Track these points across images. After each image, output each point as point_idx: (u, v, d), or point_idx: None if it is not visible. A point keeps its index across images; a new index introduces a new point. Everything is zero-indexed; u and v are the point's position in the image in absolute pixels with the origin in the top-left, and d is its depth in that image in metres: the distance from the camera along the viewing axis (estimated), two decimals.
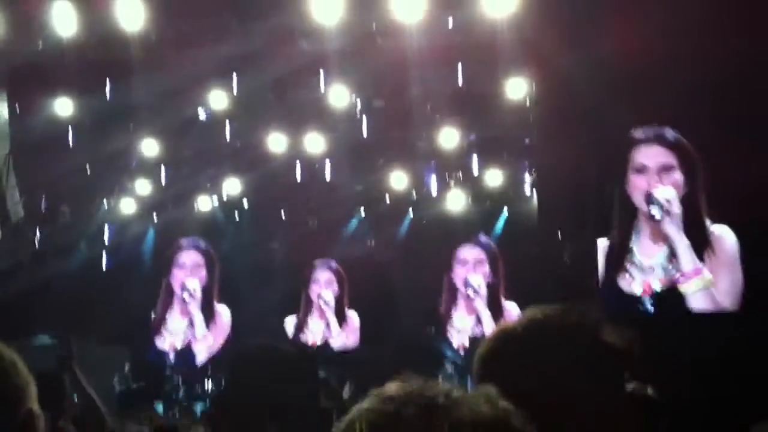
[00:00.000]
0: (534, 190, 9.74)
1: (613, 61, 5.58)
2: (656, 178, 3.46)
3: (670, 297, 3.39)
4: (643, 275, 3.50)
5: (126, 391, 8.25)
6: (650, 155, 3.51)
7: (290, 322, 8.79)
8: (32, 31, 7.35)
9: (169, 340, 7.91)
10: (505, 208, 10.29)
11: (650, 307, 3.46)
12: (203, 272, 7.77)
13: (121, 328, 9.24)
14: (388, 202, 10.48)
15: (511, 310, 8.26)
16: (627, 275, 3.53)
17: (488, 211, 10.34)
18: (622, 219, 3.56)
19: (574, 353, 1.32)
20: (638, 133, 3.60)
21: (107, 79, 8.16)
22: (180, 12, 7.01)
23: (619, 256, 3.55)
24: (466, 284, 7.14)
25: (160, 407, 6.79)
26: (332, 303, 7.86)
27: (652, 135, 3.57)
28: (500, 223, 10.38)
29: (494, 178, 9.93)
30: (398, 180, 10.04)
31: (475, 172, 9.77)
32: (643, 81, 5.10)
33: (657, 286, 3.50)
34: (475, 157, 9.62)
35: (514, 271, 9.49)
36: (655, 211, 3.35)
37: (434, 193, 10.19)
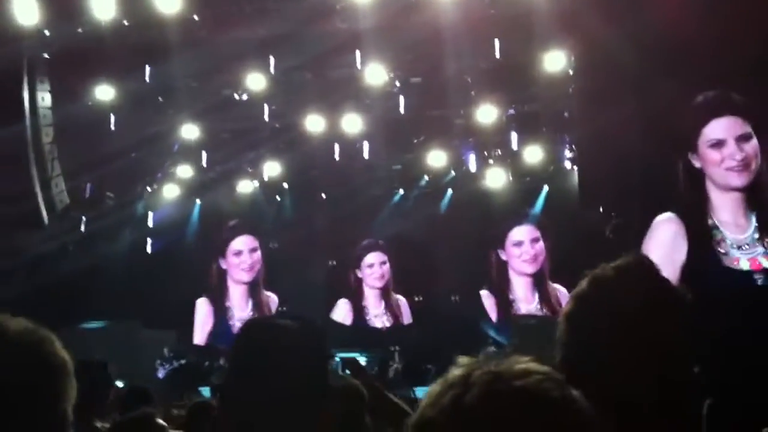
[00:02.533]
0: (574, 165, 9.57)
1: (656, 29, 5.42)
2: (735, 150, 3.23)
3: None
4: (742, 252, 3.29)
5: (169, 374, 8.40)
6: (725, 127, 3.25)
7: (343, 306, 8.90)
8: (72, 17, 7.44)
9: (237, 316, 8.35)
10: (546, 185, 10.13)
11: (765, 284, 3.26)
12: (259, 254, 8.22)
13: (167, 311, 9.39)
14: (426, 180, 10.41)
15: (558, 288, 8.29)
16: (723, 252, 3.31)
17: (528, 188, 10.20)
18: (698, 195, 3.31)
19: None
20: (704, 103, 3.32)
21: (147, 63, 8.23)
22: None
23: (706, 233, 3.32)
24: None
25: (206, 391, 6.88)
26: (386, 282, 8.38)
27: (721, 104, 3.30)
28: (540, 200, 10.24)
29: (534, 154, 9.76)
30: (436, 158, 9.95)
31: (515, 148, 9.60)
32: (689, 49, 4.93)
33: (766, 263, 3.29)
34: (513, 133, 9.45)
35: (556, 247, 9.40)
36: None
37: (473, 171, 10.07)
